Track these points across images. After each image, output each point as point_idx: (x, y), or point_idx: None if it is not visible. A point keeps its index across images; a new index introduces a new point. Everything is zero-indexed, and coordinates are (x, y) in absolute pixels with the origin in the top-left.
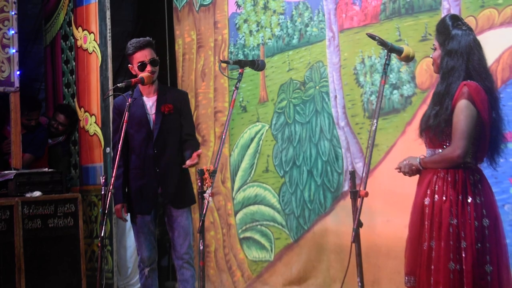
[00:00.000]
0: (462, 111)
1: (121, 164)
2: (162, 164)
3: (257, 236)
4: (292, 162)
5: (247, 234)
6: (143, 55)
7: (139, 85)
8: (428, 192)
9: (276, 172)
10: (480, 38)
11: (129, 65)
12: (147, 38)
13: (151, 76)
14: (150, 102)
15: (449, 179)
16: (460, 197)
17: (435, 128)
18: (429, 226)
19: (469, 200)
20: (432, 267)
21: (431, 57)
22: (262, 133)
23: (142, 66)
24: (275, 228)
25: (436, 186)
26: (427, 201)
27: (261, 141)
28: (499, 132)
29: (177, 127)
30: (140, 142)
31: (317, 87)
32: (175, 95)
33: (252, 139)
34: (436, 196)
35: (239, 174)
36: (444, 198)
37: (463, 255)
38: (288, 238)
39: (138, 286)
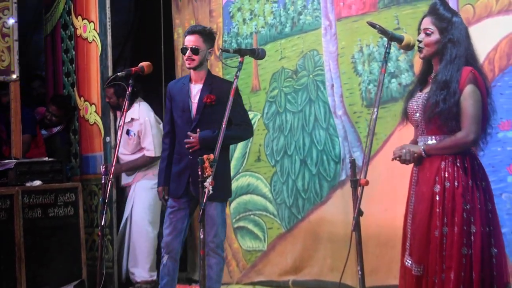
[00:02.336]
0: (471, 95)
1: (167, 148)
2: (196, 154)
3: (250, 226)
4: (283, 151)
5: (241, 224)
6: (188, 40)
7: (191, 72)
8: (438, 179)
9: (267, 161)
10: (478, 26)
11: None
12: (203, 26)
13: (150, 65)
14: (195, 90)
15: (459, 165)
16: (470, 182)
17: (447, 114)
18: (441, 212)
19: (478, 184)
20: (444, 253)
21: (420, 41)
22: (254, 122)
23: (183, 51)
24: (267, 217)
25: (446, 173)
26: (437, 188)
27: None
28: (488, 120)
29: (217, 118)
30: (181, 128)
31: (311, 76)
32: (221, 86)
33: None
34: (448, 183)
35: (232, 163)
36: (456, 184)
37: (472, 239)
38: (280, 228)
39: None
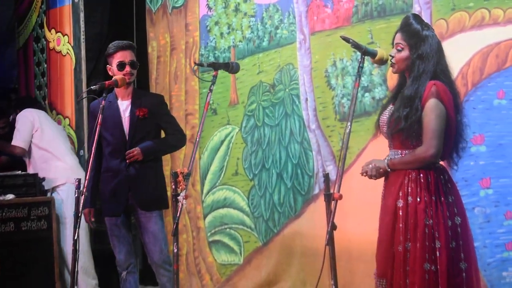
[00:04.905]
0: (433, 110)
1: (93, 167)
2: (133, 167)
3: (226, 239)
4: (261, 165)
5: (216, 238)
6: (123, 56)
7: (115, 89)
8: (401, 194)
9: (245, 175)
10: (451, 41)
11: (107, 65)
12: (129, 41)
13: (125, 79)
14: (124, 106)
15: (422, 180)
16: (433, 197)
17: (408, 130)
18: (404, 228)
19: (442, 200)
20: (408, 268)
21: (392, 56)
22: (232, 136)
23: (121, 66)
24: (244, 231)
25: (409, 188)
26: (400, 203)
27: (231, 144)
28: (460, 134)
29: (150, 131)
30: (113, 145)
31: (287, 90)
32: (150, 99)
33: (222, 142)
34: (410, 197)
35: (209, 177)
36: (418, 199)
37: (438, 255)
38: (257, 241)
39: None
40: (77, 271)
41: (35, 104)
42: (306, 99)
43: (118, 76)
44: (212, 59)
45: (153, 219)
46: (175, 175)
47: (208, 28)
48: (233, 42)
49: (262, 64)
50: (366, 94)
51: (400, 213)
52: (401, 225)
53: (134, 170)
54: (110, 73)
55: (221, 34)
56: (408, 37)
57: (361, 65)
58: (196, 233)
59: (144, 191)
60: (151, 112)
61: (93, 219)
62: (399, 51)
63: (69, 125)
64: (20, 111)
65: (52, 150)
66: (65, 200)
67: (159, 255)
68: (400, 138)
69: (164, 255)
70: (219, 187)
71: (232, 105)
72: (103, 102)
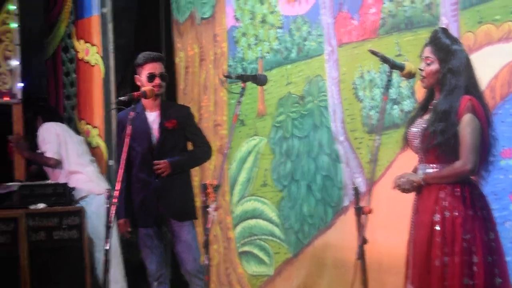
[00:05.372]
0: (469, 124)
1: (124, 178)
2: (161, 178)
3: (255, 251)
4: (290, 177)
5: (246, 248)
6: (153, 67)
7: (143, 100)
8: (437, 208)
9: (274, 186)
10: (478, 54)
11: (135, 75)
12: (160, 53)
13: (153, 90)
14: (152, 117)
15: (458, 194)
16: (470, 211)
17: (444, 145)
18: (441, 242)
19: (478, 214)
20: (446, 283)
21: (422, 69)
22: (260, 147)
23: (151, 77)
24: (274, 242)
25: (446, 202)
26: (437, 217)
27: (258, 155)
28: (490, 147)
29: (179, 142)
30: (141, 156)
31: (316, 101)
32: (178, 111)
33: (249, 153)
34: (447, 212)
35: (237, 188)
36: (456, 213)
37: (475, 270)
38: (287, 253)
39: None
40: (109, 280)
41: (56, 117)
42: (334, 111)
43: (147, 87)
44: (240, 70)
45: (186, 228)
46: (204, 187)
47: (236, 39)
48: (260, 53)
49: (290, 75)
50: (395, 106)
51: (437, 228)
52: (438, 239)
53: (162, 181)
54: (138, 83)
55: (249, 45)
56: (438, 50)
57: (389, 78)
58: (226, 243)
59: (173, 201)
60: (180, 124)
61: (129, 229)
62: (428, 64)
63: (98, 135)
64: (43, 121)
65: (73, 163)
66: (88, 212)
67: (192, 264)
68: (436, 153)
69: (198, 264)
70: (248, 198)
71: (260, 116)
72: (131, 113)
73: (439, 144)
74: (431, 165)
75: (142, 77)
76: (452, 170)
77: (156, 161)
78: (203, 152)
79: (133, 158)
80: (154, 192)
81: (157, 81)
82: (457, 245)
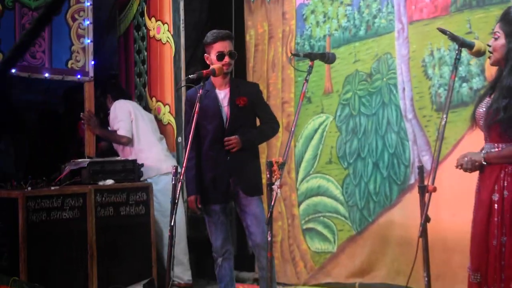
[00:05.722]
0: None
1: (193, 156)
2: (233, 154)
3: (319, 228)
4: (356, 154)
5: (310, 225)
6: (223, 46)
7: (212, 78)
8: (496, 188)
9: (339, 163)
10: None
11: (205, 54)
12: (228, 31)
13: (222, 68)
14: (222, 94)
15: None
16: None
17: (507, 122)
18: (500, 222)
19: None
20: (503, 263)
21: (490, 45)
22: (326, 125)
23: (220, 56)
24: (338, 219)
25: (505, 182)
26: (495, 197)
27: (325, 132)
28: None
29: (249, 119)
30: (212, 134)
31: (385, 79)
32: (248, 88)
33: (316, 130)
34: (506, 192)
35: (303, 165)
36: None
37: None
38: (351, 230)
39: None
40: (174, 256)
41: (125, 95)
42: (404, 89)
43: (216, 65)
44: (307, 47)
45: (255, 202)
46: (270, 164)
47: (304, 16)
48: (328, 31)
49: (358, 53)
50: (464, 84)
51: (496, 207)
52: (496, 219)
53: (234, 157)
54: (207, 62)
55: (317, 22)
56: (505, 25)
57: (458, 57)
58: (291, 220)
59: (246, 177)
60: (249, 101)
61: (199, 206)
62: (495, 39)
63: (169, 112)
64: (113, 99)
65: (142, 141)
66: (156, 190)
67: (261, 236)
68: (498, 130)
69: (266, 237)
70: (313, 175)
71: (327, 93)
72: (200, 91)
73: (501, 121)
74: (495, 144)
75: (211, 56)
76: None
77: (226, 138)
78: (271, 128)
79: (203, 135)
80: (225, 169)
81: (226, 59)
82: None
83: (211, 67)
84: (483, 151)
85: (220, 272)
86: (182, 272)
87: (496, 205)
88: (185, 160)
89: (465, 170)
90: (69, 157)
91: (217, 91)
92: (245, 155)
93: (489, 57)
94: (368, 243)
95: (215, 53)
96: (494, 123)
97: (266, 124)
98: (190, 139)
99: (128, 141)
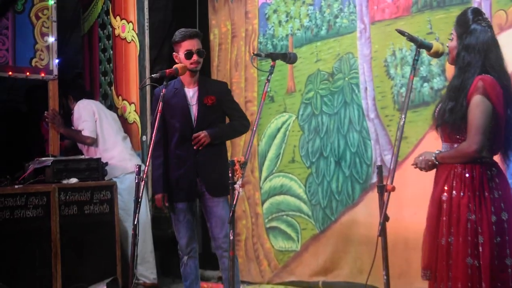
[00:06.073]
0: (478, 106)
1: (161, 154)
2: (201, 153)
3: (283, 226)
4: (319, 153)
5: (274, 224)
6: (191, 44)
7: (181, 76)
8: (446, 188)
9: (302, 162)
10: (510, 32)
11: (173, 52)
12: (196, 29)
13: (185, 67)
14: (191, 93)
15: (467, 175)
16: (477, 192)
17: (452, 124)
18: (447, 221)
19: (486, 195)
20: (451, 262)
21: (447, 46)
22: (289, 124)
23: (188, 55)
24: (301, 218)
25: (454, 182)
26: (444, 196)
27: (287, 132)
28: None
29: (217, 118)
30: (180, 132)
31: (347, 79)
32: (216, 87)
33: (278, 129)
34: (454, 192)
35: (266, 164)
36: (462, 193)
37: (481, 250)
38: (314, 229)
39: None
40: (137, 255)
41: (86, 95)
42: (366, 88)
43: (179, 65)
44: (270, 47)
45: (221, 204)
46: (232, 163)
47: (267, 16)
48: (291, 30)
49: (320, 52)
50: (425, 84)
51: (444, 206)
52: (444, 218)
53: (202, 156)
54: (176, 60)
55: (279, 22)
56: (458, 27)
57: (416, 57)
58: (255, 219)
59: (213, 176)
60: (218, 99)
61: (166, 204)
62: (450, 40)
63: (134, 110)
64: (74, 100)
65: (107, 141)
66: (120, 189)
67: (224, 238)
68: (446, 131)
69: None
70: (276, 174)
71: (289, 93)
72: (163, 90)
73: (446, 122)
74: (446, 144)
75: (180, 54)
76: (459, 150)
77: (195, 134)
78: (241, 125)
79: (171, 134)
80: (193, 168)
81: (194, 57)
82: (461, 225)
83: (174, 66)
84: (436, 151)
85: (185, 270)
86: (147, 270)
87: (444, 204)
88: (149, 158)
89: (421, 169)
90: (33, 155)
91: (186, 89)
92: (213, 155)
93: (447, 58)
94: (331, 241)
95: (184, 51)
96: (442, 124)
97: (237, 120)
98: (153, 138)
99: (93, 142)
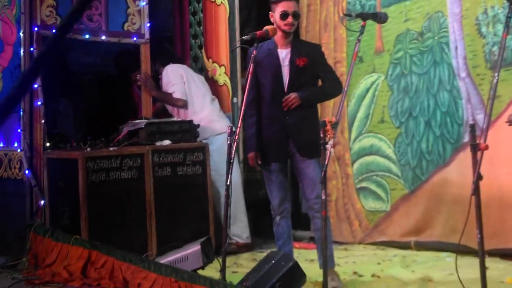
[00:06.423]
0: None
1: (254, 113)
2: (291, 115)
3: (373, 187)
4: (408, 113)
5: (363, 184)
6: (287, 5)
7: (275, 37)
8: None
9: (391, 122)
10: None
11: (270, 12)
12: None
13: (276, 29)
14: (283, 54)
15: None
16: None
17: None
18: None
19: None
20: None
21: None
22: (378, 84)
23: (284, 16)
24: (391, 178)
25: None
26: None
27: (376, 92)
28: None
29: (309, 80)
30: (272, 93)
31: (436, 38)
32: (309, 49)
33: (367, 90)
34: None
35: (355, 124)
36: None
37: None
38: (404, 189)
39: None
40: (230, 215)
41: (174, 59)
42: (456, 47)
43: (269, 26)
44: (358, 7)
45: (312, 165)
46: (323, 124)
47: None
48: None
49: (409, 12)
50: None
51: None
52: None
53: (292, 117)
54: (271, 19)
55: None
56: None
57: (509, 15)
58: (345, 179)
59: (304, 138)
60: (310, 62)
61: (259, 162)
62: None
63: (224, 73)
64: (162, 64)
65: (196, 103)
66: (211, 150)
67: (316, 200)
68: None
69: (320, 201)
70: (365, 135)
71: (378, 53)
72: (254, 51)
73: None
74: None
75: (275, 14)
76: None
77: (286, 97)
78: (332, 87)
79: (263, 93)
80: (284, 129)
81: (289, 19)
82: None
83: (264, 28)
84: None
85: (278, 230)
86: (240, 230)
87: None
88: (240, 119)
89: None
90: (127, 118)
91: (279, 50)
92: (304, 116)
93: None
94: (422, 201)
95: (279, 12)
96: None
97: (328, 83)
98: (245, 98)
99: (184, 104)
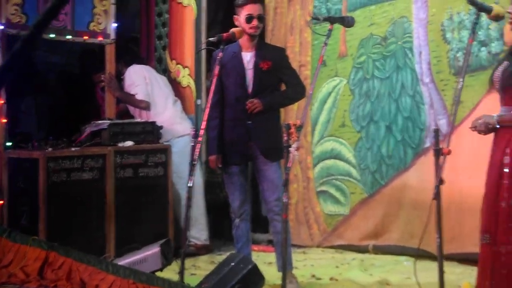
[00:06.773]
0: None
1: (217, 116)
2: (254, 118)
3: (332, 190)
4: (369, 118)
5: (323, 188)
6: (253, 9)
7: (239, 40)
8: (508, 151)
9: (352, 127)
10: None
11: (234, 15)
12: None
13: (242, 31)
14: (248, 57)
15: None
16: None
17: None
18: (509, 185)
19: None
20: (510, 225)
21: (510, 12)
22: (340, 88)
23: (249, 19)
24: (350, 182)
25: None
26: (506, 159)
27: (338, 96)
28: None
29: (272, 83)
30: (236, 95)
31: (400, 43)
32: (273, 52)
33: (329, 94)
34: None
35: (318, 128)
36: None
37: None
38: (363, 193)
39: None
40: (190, 217)
41: (138, 59)
42: (420, 53)
43: (236, 28)
44: (324, 10)
45: (273, 168)
46: (287, 127)
47: None
48: None
49: (374, 16)
50: (483, 48)
51: (506, 170)
52: (506, 181)
53: (255, 120)
54: (236, 23)
55: None
56: None
57: (476, 21)
58: (306, 183)
59: (266, 140)
60: (274, 65)
61: (220, 165)
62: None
63: (188, 74)
64: (126, 65)
65: (158, 105)
66: (172, 152)
67: (276, 203)
68: (509, 93)
69: (281, 203)
70: (327, 138)
71: (341, 57)
72: (220, 54)
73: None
74: (510, 107)
75: (240, 18)
76: None
77: (249, 100)
78: (295, 92)
79: (227, 96)
80: (246, 131)
81: (254, 22)
82: None
83: (231, 30)
84: (497, 114)
85: (237, 232)
86: (199, 232)
87: (506, 168)
88: (204, 121)
89: (479, 132)
90: (90, 118)
91: (243, 53)
92: (266, 119)
93: (510, 22)
94: (381, 205)
95: (245, 15)
96: (508, 86)
97: (291, 88)
98: (209, 101)
99: (147, 106)
